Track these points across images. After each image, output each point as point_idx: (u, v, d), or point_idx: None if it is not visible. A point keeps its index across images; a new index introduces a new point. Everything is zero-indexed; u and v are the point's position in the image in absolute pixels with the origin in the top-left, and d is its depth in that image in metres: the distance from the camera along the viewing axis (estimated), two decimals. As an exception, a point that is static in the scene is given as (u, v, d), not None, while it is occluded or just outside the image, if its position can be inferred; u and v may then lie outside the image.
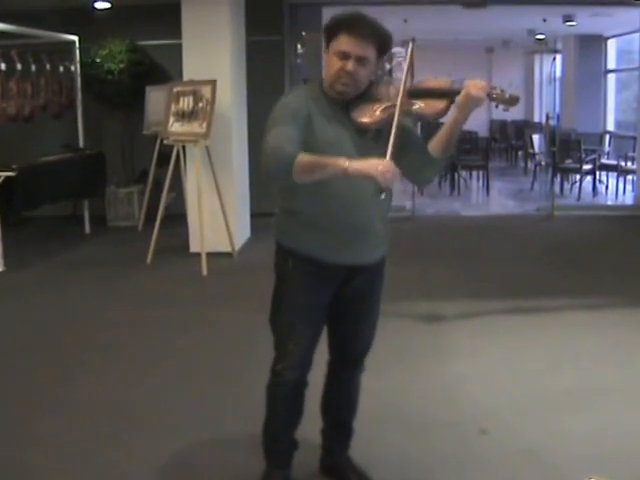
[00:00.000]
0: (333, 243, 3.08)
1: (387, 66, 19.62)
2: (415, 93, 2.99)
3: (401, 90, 2.93)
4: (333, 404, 3.56)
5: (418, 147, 3.11)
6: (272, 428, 3.41)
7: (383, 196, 2.81)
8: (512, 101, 2.99)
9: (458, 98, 2.93)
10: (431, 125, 3.18)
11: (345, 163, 2.77)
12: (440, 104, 2.95)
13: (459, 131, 3.01)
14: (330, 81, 3.03)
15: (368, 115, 3.00)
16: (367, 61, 2.98)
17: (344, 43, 2.96)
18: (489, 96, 2.95)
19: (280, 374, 3.25)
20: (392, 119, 2.89)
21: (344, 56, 2.96)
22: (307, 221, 3.08)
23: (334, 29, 3.00)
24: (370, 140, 3.02)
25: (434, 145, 3.06)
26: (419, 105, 2.99)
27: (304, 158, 2.81)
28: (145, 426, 4.28)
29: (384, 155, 2.81)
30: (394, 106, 2.92)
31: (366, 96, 3.04)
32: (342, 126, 3.04)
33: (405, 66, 2.98)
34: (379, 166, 2.73)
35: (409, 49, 3.04)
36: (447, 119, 3.04)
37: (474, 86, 2.91)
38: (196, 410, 4.44)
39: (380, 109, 2.99)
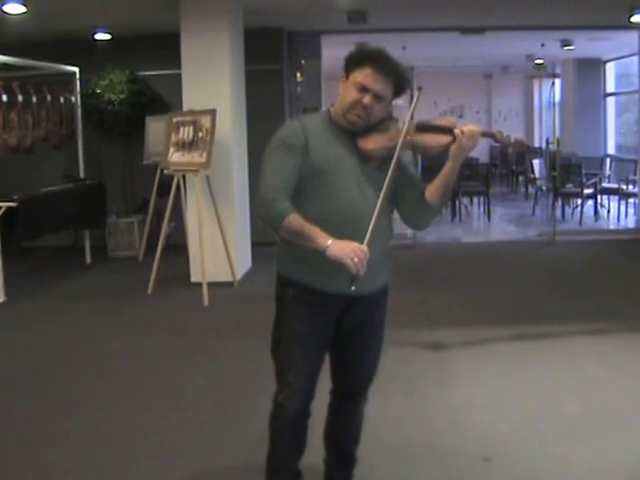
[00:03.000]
0: (330, 272, 3.04)
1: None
2: (421, 128, 3.04)
3: (407, 121, 2.98)
4: (336, 434, 3.54)
5: (416, 191, 3.12)
6: (275, 458, 3.39)
7: (353, 288, 2.84)
8: (516, 145, 3.12)
9: (452, 148, 2.96)
10: (432, 169, 3.17)
11: (327, 242, 2.83)
12: (443, 139, 2.98)
13: (454, 179, 3.05)
14: (343, 110, 3.06)
15: (373, 143, 3.03)
16: (383, 99, 3.02)
17: (367, 77, 2.98)
18: (493, 139, 3.07)
19: (282, 405, 3.22)
20: (395, 149, 2.94)
21: (363, 89, 2.99)
22: (305, 250, 3.06)
23: (359, 60, 3.02)
24: (372, 169, 3.04)
25: (431, 192, 3.07)
26: (423, 137, 3.03)
27: (292, 223, 2.89)
28: (147, 455, 4.26)
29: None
30: (399, 137, 2.97)
31: (377, 127, 3.07)
32: (345, 152, 3.06)
33: (411, 107, 3.04)
34: (355, 258, 2.77)
35: (415, 97, 3.07)
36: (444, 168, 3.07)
37: (468, 136, 2.96)
38: (198, 439, 4.42)
39: (386, 138, 3.02)
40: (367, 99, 2.98)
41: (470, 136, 2.95)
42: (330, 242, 2.83)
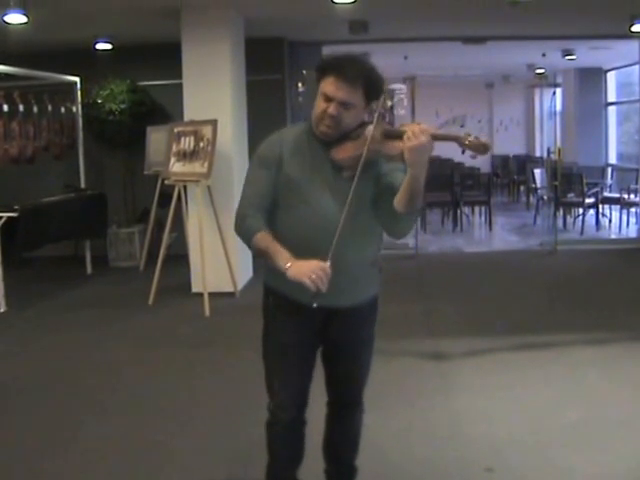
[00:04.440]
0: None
1: (388, 103, 19.74)
2: (389, 135, 2.92)
3: (371, 131, 2.89)
4: (334, 444, 3.52)
5: (392, 198, 2.93)
6: (272, 467, 3.41)
7: (315, 305, 2.81)
8: (485, 148, 2.80)
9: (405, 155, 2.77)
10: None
11: (287, 264, 2.83)
12: (401, 145, 2.79)
13: (419, 187, 2.80)
14: (315, 121, 3.02)
15: (343, 152, 2.97)
16: (352, 106, 2.95)
17: (330, 85, 2.94)
18: (460, 145, 2.80)
19: (274, 413, 3.27)
20: (360, 158, 2.87)
21: (328, 99, 2.95)
22: None
23: (323, 70, 2.99)
24: (346, 179, 2.94)
25: (397, 200, 2.88)
26: (387, 146, 2.90)
27: (258, 242, 2.95)
28: (147, 466, 4.25)
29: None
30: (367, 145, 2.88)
31: (349, 136, 2.99)
32: (320, 163, 3.03)
33: (376, 114, 2.95)
34: (312, 275, 2.74)
35: (380, 100, 2.98)
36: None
37: (412, 136, 2.72)
38: (198, 450, 4.41)
39: (355, 147, 2.94)
40: (332, 108, 2.94)
41: (414, 135, 2.71)
42: (289, 264, 2.83)
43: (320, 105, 2.98)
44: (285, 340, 3.18)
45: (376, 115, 2.94)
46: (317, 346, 3.26)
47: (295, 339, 3.17)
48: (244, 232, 3.02)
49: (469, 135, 2.79)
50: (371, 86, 2.98)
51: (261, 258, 3.01)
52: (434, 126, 2.90)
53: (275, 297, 3.19)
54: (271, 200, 3.04)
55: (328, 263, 2.78)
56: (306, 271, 2.76)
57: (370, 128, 2.90)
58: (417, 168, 2.77)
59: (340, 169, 2.98)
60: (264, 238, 2.94)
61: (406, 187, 2.83)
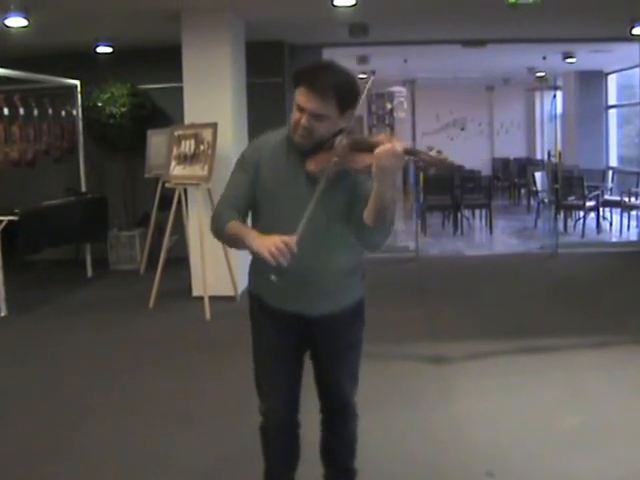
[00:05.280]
0: (277, 291, 3.05)
1: (388, 106, 19.77)
2: (358, 147, 2.84)
3: (340, 141, 2.84)
4: (330, 449, 3.52)
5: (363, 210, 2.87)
6: (270, 470, 3.43)
7: (273, 278, 2.77)
8: (442, 164, 2.78)
9: (372, 168, 2.69)
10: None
11: (254, 240, 2.82)
12: (368, 158, 2.73)
13: (387, 201, 2.73)
14: (290, 131, 3.01)
15: (314, 164, 2.92)
16: (324, 117, 2.90)
17: (301, 96, 2.91)
18: (415, 162, 2.79)
19: (266, 416, 3.32)
20: (329, 170, 2.83)
21: (301, 109, 2.92)
22: (258, 268, 3.11)
23: (296, 80, 2.95)
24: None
25: (367, 213, 2.80)
26: (354, 159, 2.82)
27: (231, 229, 2.96)
28: (147, 470, 4.24)
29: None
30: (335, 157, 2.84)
31: (323, 146, 2.93)
32: (294, 173, 3.00)
33: (362, 95, 2.93)
34: (272, 248, 2.69)
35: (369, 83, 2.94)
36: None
37: (385, 154, 2.63)
38: (198, 454, 4.41)
39: (326, 159, 2.88)
40: (304, 119, 2.90)
41: (387, 155, 2.63)
42: (256, 240, 2.81)
43: (295, 115, 2.95)
44: (270, 344, 3.23)
45: (362, 94, 2.93)
46: (304, 350, 3.28)
47: (279, 343, 3.21)
48: (219, 227, 3.02)
49: (429, 151, 2.83)
50: (344, 96, 2.91)
51: (235, 245, 3.03)
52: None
53: (259, 302, 3.24)
54: (248, 202, 3.06)
55: (294, 238, 2.73)
56: (267, 244, 2.72)
57: (339, 139, 2.85)
58: (383, 184, 2.70)
59: (314, 180, 2.90)
60: (235, 225, 2.96)
61: (372, 201, 2.76)
